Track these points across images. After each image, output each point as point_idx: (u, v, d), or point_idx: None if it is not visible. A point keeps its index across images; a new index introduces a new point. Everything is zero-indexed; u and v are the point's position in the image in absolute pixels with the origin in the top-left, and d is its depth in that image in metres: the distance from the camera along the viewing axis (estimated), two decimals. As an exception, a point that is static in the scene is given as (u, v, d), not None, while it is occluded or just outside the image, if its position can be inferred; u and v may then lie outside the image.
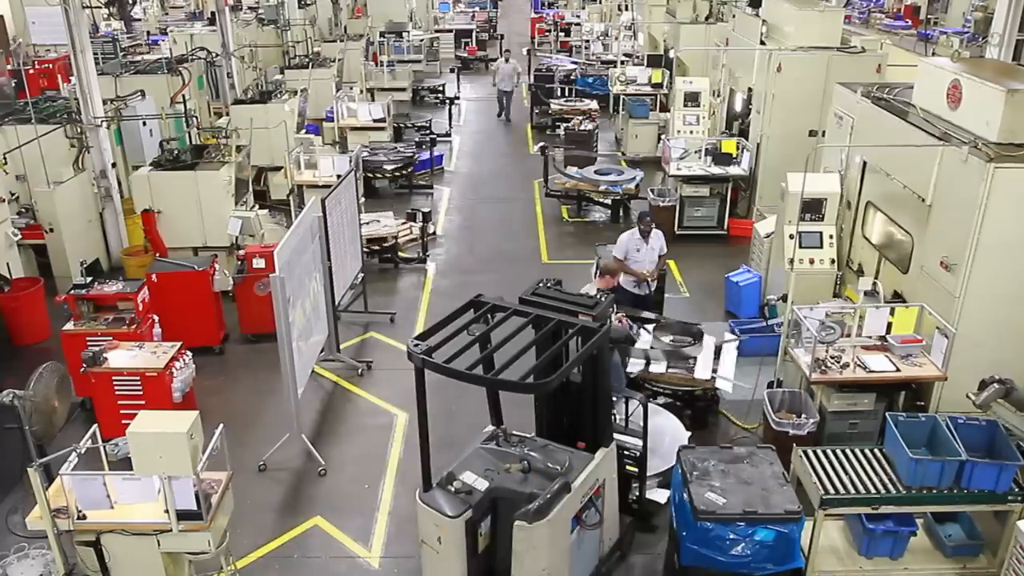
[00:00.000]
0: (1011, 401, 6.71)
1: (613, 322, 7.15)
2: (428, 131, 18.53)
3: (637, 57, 22.01)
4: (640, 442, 6.96)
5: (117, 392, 8.13)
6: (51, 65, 17.51)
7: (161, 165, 11.69)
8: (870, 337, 7.64)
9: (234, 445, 6.50)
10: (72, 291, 9.03)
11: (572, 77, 22.15)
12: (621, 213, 14.64)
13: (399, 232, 13.13)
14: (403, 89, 22.56)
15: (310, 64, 19.69)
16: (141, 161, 13.11)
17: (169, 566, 5.76)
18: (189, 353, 8.56)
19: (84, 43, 11.56)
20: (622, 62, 20.96)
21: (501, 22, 37.70)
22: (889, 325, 7.70)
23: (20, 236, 10.82)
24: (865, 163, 8.98)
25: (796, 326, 7.88)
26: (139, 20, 26.35)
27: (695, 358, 8.63)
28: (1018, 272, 7.05)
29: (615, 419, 6.95)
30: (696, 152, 13.79)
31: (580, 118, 18.46)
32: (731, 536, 5.92)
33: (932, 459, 6.19)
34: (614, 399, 6.94)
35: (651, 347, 8.72)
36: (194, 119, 14.16)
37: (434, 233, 14.02)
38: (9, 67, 17.09)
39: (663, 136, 16.69)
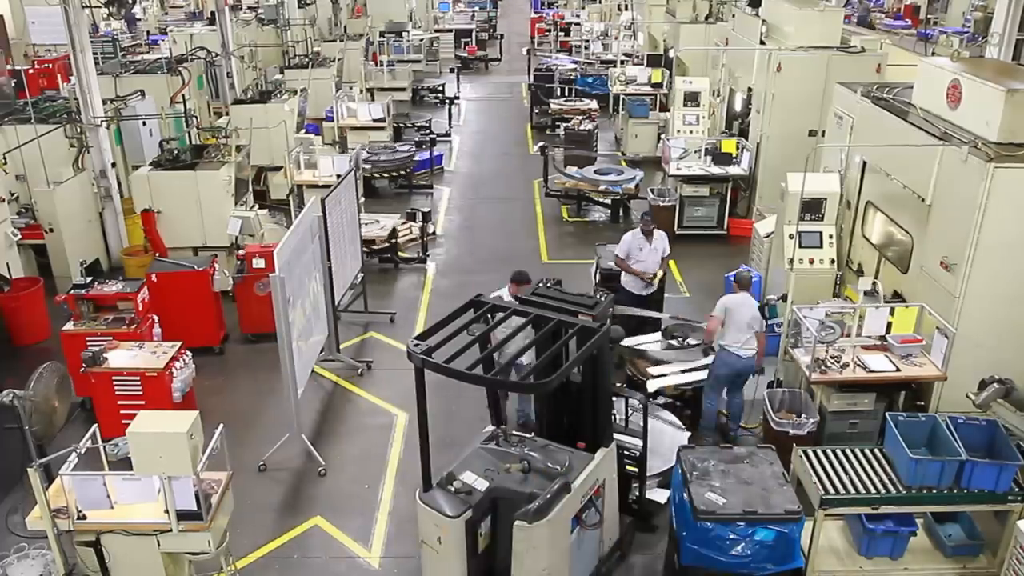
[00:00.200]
0: (1011, 401, 6.71)
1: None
2: (428, 131, 18.53)
3: (637, 57, 22.01)
4: (640, 442, 6.96)
5: (117, 392, 8.14)
6: (51, 65, 17.50)
7: (161, 165, 11.69)
8: (870, 337, 7.65)
9: (234, 445, 6.50)
10: (72, 291, 9.03)
11: (572, 77, 22.15)
12: (621, 213, 14.65)
13: (396, 233, 13.05)
14: (403, 89, 22.55)
15: (310, 64, 19.68)
16: (141, 161, 13.11)
17: (169, 566, 5.76)
18: (189, 353, 8.56)
19: (84, 43, 11.57)
20: (622, 62, 20.95)
21: (501, 22, 37.71)
22: (889, 325, 7.70)
23: (20, 236, 10.83)
24: (865, 163, 8.98)
25: (796, 326, 7.88)
26: (139, 20, 26.33)
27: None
28: (1018, 272, 7.05)
29: (615, 419, 6.95)
30: (696, 152, 13.79)
31: (580, 118, 18.46)
32: (731, 536, 5.92)
33: (932, 459, 6.19)
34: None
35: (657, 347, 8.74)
36: (194, 119, 14.16)
37: (434, 233, 14.02)
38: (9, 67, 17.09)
39: (663, 136, 16.69)
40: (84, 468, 5.68)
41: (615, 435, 6.61)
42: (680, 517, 6.31)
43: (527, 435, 6.59)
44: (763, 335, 8.10)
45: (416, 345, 5.74)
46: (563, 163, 15.48)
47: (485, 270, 12.75)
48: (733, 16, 16.55)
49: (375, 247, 12.66)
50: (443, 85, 23.53)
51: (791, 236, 9.08)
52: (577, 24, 31.73)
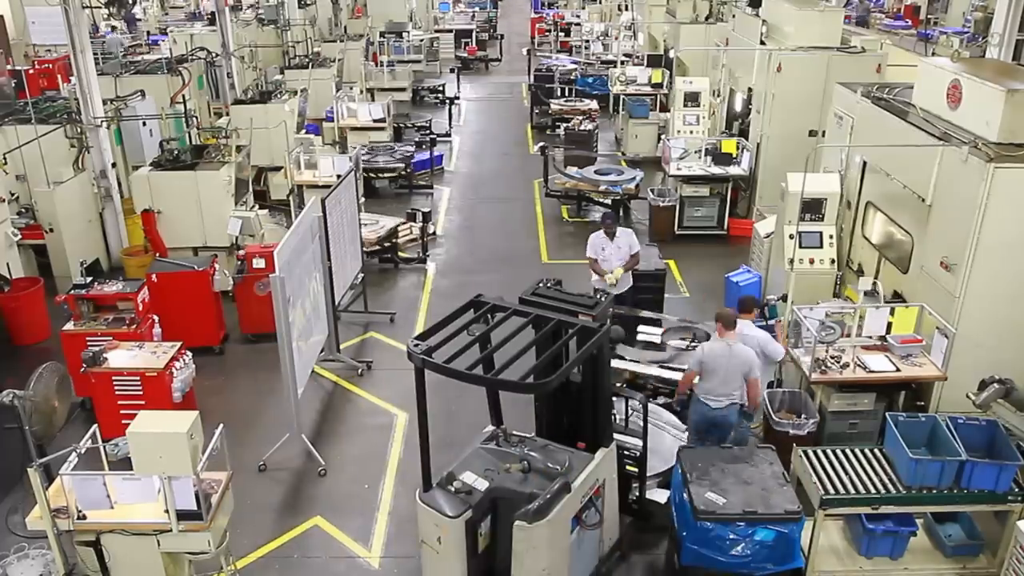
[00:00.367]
0: (1011, 401, 6.72)
1: None
2: (428, 131, 18.54)
3: (637, 57, 22.00)
4: (640, 442, 6.96)
5: (117, 392, 8.14)
6: (51, 65, 17.50)
7: (161, 165, 11.69)
8: (870, 337, 7.65)
9: (234, 445, 6.50)
10: (72, 291, 9.04)
11: (572, 77, 22.15)
12: (621, 213, 14.63)
13: (392, 234, 12.99)
14: (403, 89, 22.56)
15: (310, 64, 19.68)
16: (141, 161, 13.11)
17: (169, 566, 5.76)
18: (189, 353, 8.56)
19: (84, 43, 11.56)
20: (622, 62, 20.95)
21: (501, 22, 37.71)
22: (889, 325, 7.70)
23: (20, 236, 10.83)
24: (865, 163, 8.98)
25: (796, 326, 7.88)
26: (140, 20, 26.34)
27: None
28: (1018, 272, 7.05)
29: (615, 419, 6.95)
30: (696, 152, 13.79)
31: (580, 118, 18.44)
32: (731, 536, 5.92)
33: (932, 459, 6.19)
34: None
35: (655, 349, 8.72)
36: (194, 119, 14.17)
37: (434, 233, 14.02)
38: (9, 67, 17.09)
39: (663, 136, 16.69)
40: (84, 468, 5.68)
41: (615, 435, 6.61)
42: (680, 517, 6.32)
43: (527, 435, 6.59)
44: (757, 381, 7.08)
45: (416, 345, 5.74)
46: (563, 163, 15.47)
47: (485, 270, 12.76)
48: (733, 16, 16.55)
49: (367, 249, 12.59)
50: (443, 85, 23.53)
51: (791, 236, 9.08)
52: (577, 24, 31.71)
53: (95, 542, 5.59)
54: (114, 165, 12.56)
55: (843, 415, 7.53)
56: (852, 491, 6.19)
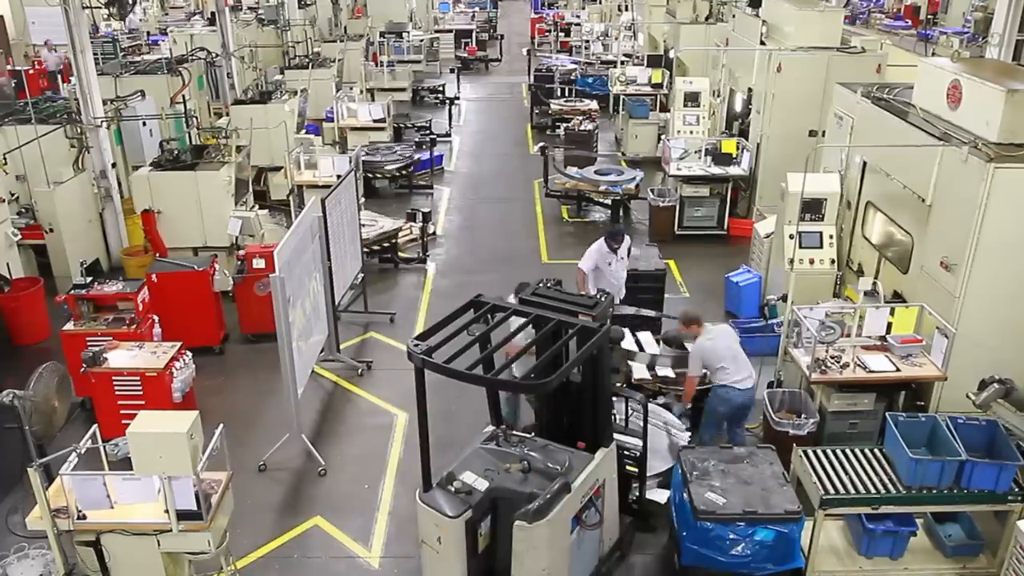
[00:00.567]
0: (1011, 401, 6.72)
1: None
2: (428, 131, 18.53)
3: (637, 57, 22.00)
4: (640, 442, 6.96)
5: (117, 392, 8.13)
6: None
7: (161, 165, 11.69)
8: (870, 337, 7.65)
9: (234, 445, 6.51)
10: (72, 291, 9.03)
11: (572, 77, 22.15)
12: (621, 213, 14.64)
13: (390, 234, 12.97)
14: (403, 89, 22.56)
15: (310, 64, 19.69)
16: (141, 161, 13.11)
17: (169, 566, 5.76)
18: (189, 353, 8.56)
19: (84, 43, 11.56)
20: (622, 62, 20.95)
21: (501, 22, 37.72)
22: (889, 325, 7.71)
23: (20, 236, 10.83)
24: (865, 163, 8.98)
25: (796, 326, 7.88)
26: (141, 20, 26.34)
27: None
28: (1018, 272, 7.06)
29: (615, 419, 6.95)
30: (696, 152, 13.79)
31: (580, 118, 18.45)
32: (731, 536, 5.92)
33: (932, 459, 6.19)
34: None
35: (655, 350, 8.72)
36: (194, 119, 14.17)
37: (434, 233, 14.02)
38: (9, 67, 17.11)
39: (663, 136, 16.70)
40: (84, 468, 5.68)
41: (615, 435, 6.61)
42: (680, 517, 6.32)
43: (527, 435, 6.59)
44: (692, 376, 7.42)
45: (416, 345, 5.74)
46: (563, 163, 15.46)
47: (485, 270, 12.76)
48: (733, 16, 16.56)
49: (366, 248, 12.57)
50: (443, 85, 23.53)
51: (791, 236, 9.08)
52: (577, 24, 31.72)
53: (95, 542, 5.59)
54: (114, 165, 12.55)
55: (843, 415, 7.53)
56: (852, 491, 6.20)
